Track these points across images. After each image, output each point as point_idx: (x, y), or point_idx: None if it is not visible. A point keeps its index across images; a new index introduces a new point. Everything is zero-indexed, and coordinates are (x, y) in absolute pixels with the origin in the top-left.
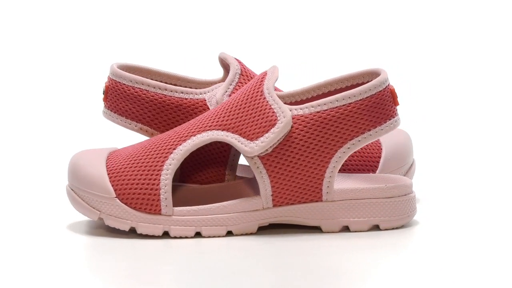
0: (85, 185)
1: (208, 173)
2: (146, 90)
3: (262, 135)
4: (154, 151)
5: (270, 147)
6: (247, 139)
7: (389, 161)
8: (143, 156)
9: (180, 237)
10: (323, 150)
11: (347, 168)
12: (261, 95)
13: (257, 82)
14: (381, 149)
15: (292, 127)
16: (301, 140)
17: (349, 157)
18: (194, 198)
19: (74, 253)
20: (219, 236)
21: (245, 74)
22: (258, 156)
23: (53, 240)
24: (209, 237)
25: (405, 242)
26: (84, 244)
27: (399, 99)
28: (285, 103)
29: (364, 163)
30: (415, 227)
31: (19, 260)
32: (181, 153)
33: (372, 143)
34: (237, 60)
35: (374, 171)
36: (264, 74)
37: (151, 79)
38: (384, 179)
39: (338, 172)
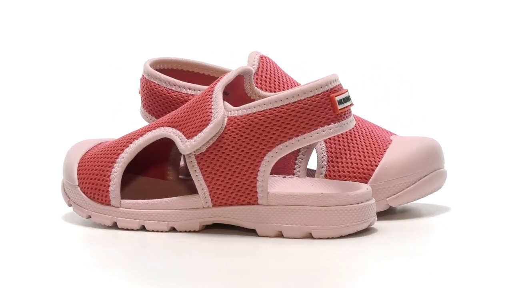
0: (63, 173)
1: None
2: (158, 84)
3: (196, 134)
4: (118, 144)
5: (203, 145)
6: (186, 137)
7: (386, 170)
8: (109, 148)
9: (127, 229)
10: (252, 153)
11: (339, 174)
12: (210, 95)
13: (214, 82)
14: (382, 156)
15: (225, 128)
16: (232, 141)
17: (343, 162)
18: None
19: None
20: (162, 231)
21: (260, 74)
22: (194, 155)
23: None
24: (152, 231)
25: (339, 251)
26: (47, 231)
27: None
28: None
29: (358, 170)
30: (353, 238)
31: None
32: (134, 147)
33: (374, 149)
34: (263, 58)
35: (367, 179)
36: (224, 75)
37: (190, 71)
38: (332, 186)
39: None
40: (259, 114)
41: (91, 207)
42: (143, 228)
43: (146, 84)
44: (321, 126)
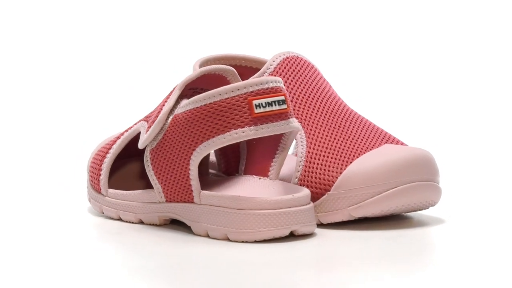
0: None
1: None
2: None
3: (149, 130)
4: (116, 136)
5: (154, 141)
6: (146, 132)
7: (348, 179)
8: (111, 139)
9: (111, 218)
10: (182, 151)
11: (308, 180)
12: (171, 93)
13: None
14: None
15: (168, 125)
16: (170, 138)
17: (313, 168)
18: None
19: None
20: (133, 222)
21: (274, 74)
22: (149, 149)
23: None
24: (127, 222)
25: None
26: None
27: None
28: None
29: (324, 176)
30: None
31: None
32: (122, 139)
33: (347, 157)
34: (288, 59)
35: (331, 187)
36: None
37: (237, 65)
38: (275, 189)
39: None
40: (184, 113)
41: (91, 193)
42: (120, 218)
43: None
44: (235, 129)
